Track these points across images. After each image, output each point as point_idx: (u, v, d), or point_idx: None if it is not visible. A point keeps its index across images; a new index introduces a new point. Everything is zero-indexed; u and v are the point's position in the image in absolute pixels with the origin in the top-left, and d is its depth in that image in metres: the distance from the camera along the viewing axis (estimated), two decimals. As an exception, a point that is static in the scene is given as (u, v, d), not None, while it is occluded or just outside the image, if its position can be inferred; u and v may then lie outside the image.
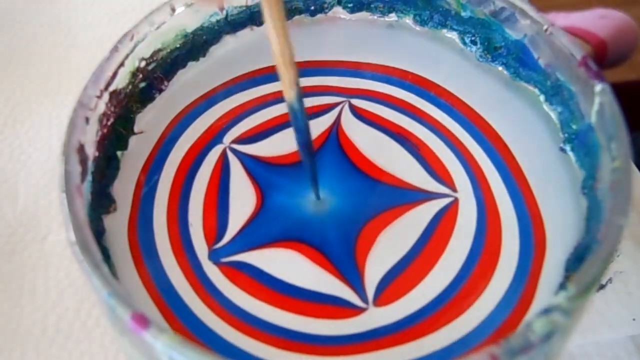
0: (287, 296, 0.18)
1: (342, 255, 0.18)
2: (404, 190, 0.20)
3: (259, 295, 0.18)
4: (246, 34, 0.25)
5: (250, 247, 0.19)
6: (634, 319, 0.23)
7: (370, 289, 0.18)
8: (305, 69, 0.24)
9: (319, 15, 0.25)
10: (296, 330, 0.17)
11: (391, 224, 0.19)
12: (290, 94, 0.18)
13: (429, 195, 0.20)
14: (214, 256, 0.19)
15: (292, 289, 0.18)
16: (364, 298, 0.17)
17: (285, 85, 0.17)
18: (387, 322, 0.17)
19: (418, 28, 0.25)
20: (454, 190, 0.20)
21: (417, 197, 0.20)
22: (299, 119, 0.18)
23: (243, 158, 0.21)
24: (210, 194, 0.20)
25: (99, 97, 0.19)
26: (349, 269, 0.18)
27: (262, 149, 0.21)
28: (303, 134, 0.18)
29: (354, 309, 0.17)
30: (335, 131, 0.21)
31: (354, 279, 0.18)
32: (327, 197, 0.20)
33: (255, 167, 0.21)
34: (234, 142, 0.21)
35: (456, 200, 0.20)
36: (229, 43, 0.24)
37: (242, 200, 0.20)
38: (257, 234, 0.19)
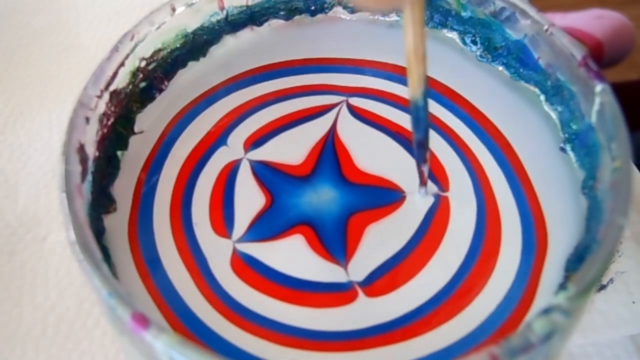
0: (286, 287, 0.18)
1: (336, 244, 0.19)
2: (390, 191, 0.20)
3: (260, 288, 0.18)
4: (246, 34, 0.25)
5: (257, 240, 0.19)
6: (633, 302, 0.23)
7: (362, 273, 0.18)
8: (305, 66, 0.24)
9: (319, 15, 0.25)
10: (295, 326, 0.17)
11: (378, 221, 0.19)
12: (417, 91, 0.18)
13: (415, 195, 0.20)
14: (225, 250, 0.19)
15: (291, 280, 0.18)
16: (356, 281, 0.18)
17: (413, 80, 0.18)
18: (386, 320, 0.17)
19: (418, 28, 0.25)
20: (444, 189, 0.20)
21: (401, 196, 0.20)
22: (420, 118, 0.18)
23: (251, 163, 0.21)
24: (216, 194, 0.20)
25: (99, 97, 0.19)
26: (339, 254, 0.18)
27: (267, 152, 0.21)
28: (422, 132, 0.19)
29: (346, 291, 0.18)
30: (331, 137, 0.22)
31: (343, 261, 0.18)
32: (326, 196, 0.20)
33: (263, 172, 0.21)
34: (242, 146, 0.21)
35: (445, 199, 0.20)
36: (229, 43, 0.24)
37: (249, 200, 0.20)
38: (261, 230, 0.19)
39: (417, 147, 0.19)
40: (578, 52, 0.19)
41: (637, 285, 0.23)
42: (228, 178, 0.21)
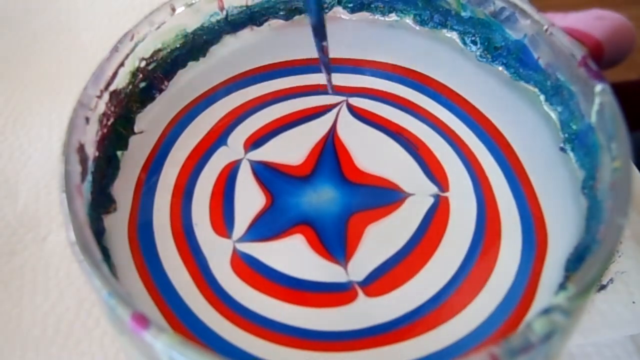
0: (286, 287, 0.18)
1: (336, 244, 0.19)
2: (390, 191, 0.20)
3: (260, 288, 0.18)
4: (246, 34, 0.25)
5: (257, 240, 0.19)
6: (633, 302, 0.23)
7: (362, 273, 0.18)
8: (305, 66, 0.24)
9: (319, 15, 0.25)
10: (295, 326, 0.17)
11: (378, 221, 0.19)
12: None
13: (415, 195, 0.20)
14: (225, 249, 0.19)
15: (291, 280, 0.18)
16: (356, 281, 0.18)
17: None
18: (386, 320, 0.17)
19: (418, 28, 0.25)
20: (444, 189, 0.20)
21: (401, 196, 0.20)
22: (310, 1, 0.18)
23: (251, 163, 0.21)
24: (216, 194, 0.20)
25: (99, 97, 0.19)
26: (339, 254, 0.19)
27: (267, 152, 0.21)
28: (314, 15, 0.18)
29: (346, 291, 0.18)
30: (331, 137, 0.22)
31: (343, 260, 0.18)
32: (326, 196, 0.20)
33: (263, 172, 0.21)
34: (242, 146, 0.21)
35: (445, 199, 0.20)
36: (229, 43, 0.24)
37: (249, 200, 0.20)
38: (262, 230, 0.19)
39: (314, 35, 0.18)
40: (578, 52, 0.19)
41: (637, 285, 0.23)
42: (228, 178, 0.21)
